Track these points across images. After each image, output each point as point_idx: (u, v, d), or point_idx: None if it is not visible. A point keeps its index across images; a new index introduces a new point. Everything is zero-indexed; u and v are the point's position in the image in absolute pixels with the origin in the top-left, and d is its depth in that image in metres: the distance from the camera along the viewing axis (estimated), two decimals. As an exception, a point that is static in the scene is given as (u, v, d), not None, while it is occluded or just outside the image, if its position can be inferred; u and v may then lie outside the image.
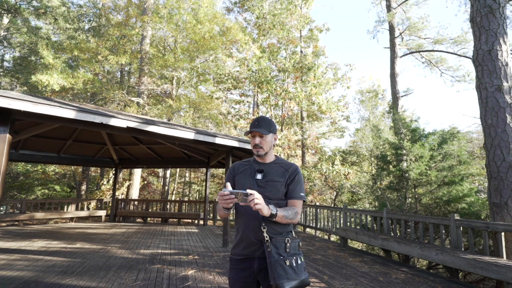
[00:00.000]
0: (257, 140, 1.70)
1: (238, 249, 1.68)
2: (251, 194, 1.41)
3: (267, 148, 1.72)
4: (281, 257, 1.51)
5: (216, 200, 12.85)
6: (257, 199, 1.41)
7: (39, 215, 9.82)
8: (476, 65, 5.80)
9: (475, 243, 6.00)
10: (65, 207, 11.04)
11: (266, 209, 1.46)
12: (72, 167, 17.27)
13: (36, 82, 11.32)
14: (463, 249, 4.77)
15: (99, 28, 16.95)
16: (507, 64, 5.50)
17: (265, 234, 1.56)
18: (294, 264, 1.52)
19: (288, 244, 1.56)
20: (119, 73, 18.72)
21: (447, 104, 55.51)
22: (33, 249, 5.85)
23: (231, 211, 1.62)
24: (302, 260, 1.58)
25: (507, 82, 5.40)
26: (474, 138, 17.08)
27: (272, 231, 1.60)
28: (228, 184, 1.49)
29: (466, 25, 15.62)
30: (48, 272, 4.28)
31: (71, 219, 10.98)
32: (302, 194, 1.69)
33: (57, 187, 17.09)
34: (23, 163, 16.48)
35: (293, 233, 1.70)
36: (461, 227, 4.87)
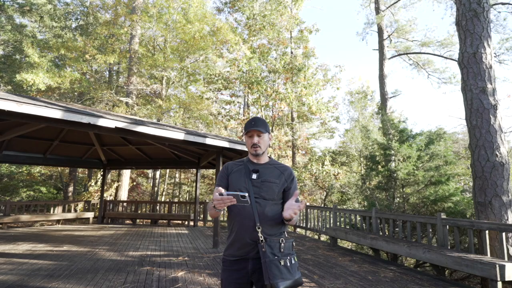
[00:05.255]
0: (256, 139, 1.72)
1: (232, 250, 1.67)
2: (301, 202, 1.51)
3: (264, 147, 1.75)
4: (276, 257, 1.52)
5: (207, 201, 12.76)
6: (300, 210, 1.51)
7: (24, 217, 9.57)
8: (461, 67, 5.95)
9: (461, 241, 6.14)
10: (52, 209, 10.79)
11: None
12: (59, 168, 16.89)
13: (21, 81, 11.04)
14: (449, 247, 4.87)
15: (86, 26, 16.65)
16: (491, 67, 5.65)
17: (259, 234, 1.57)
18: (289, 264, 1.53)
19: (282, 244, 1.58)
20: (107, 72, 18.42)
21: (434, 105, 56.70)
22: (18, 253, 5.69)
23: (222, 211, 1.64)
24: (296, 260, 1.60)
25: (491, 84, 5.55)
26: (459, 139, 17.48)
27: (267, 231, 1.61)
28: (221, 189, 1.48)
29: (452, 28, 16.01)
30: (34, 276, 4.18)
31: (58, 221, 10.74)
32: (299, 197, 1.77)
33: (43, 189, 16.70)
34: (7, 164, 16.04)
35: (286, 233, 1.71)
36: (447, 226, 4.98)
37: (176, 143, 6.63)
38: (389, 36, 16.32)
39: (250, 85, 14.33)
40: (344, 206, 12.91)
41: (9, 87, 15.07)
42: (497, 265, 3.56)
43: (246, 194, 1.42)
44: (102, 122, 4.99)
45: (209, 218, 11.73)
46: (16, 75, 11.61)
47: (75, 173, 17.06)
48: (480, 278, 5.27)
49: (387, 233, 6.39)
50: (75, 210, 11.77)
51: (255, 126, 1.71)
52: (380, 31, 15.83)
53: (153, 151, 10.91)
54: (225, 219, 10.81)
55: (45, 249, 6.12)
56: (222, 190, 1.45)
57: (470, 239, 4.61)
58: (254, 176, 1.71)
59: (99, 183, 14.45)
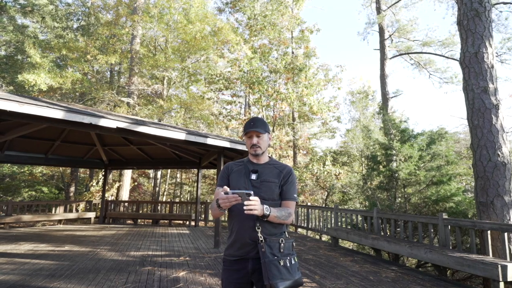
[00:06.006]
0: (255, 140, 1.72)
1: (232, 250, 1.67)
2: (252, 197, 1.43)
3: (264, 147, 1.75)
4: (276, 257, 1.52)
5: (208, 201, 12.77)
6: (254, 205, 1.42)
7: (26, 217, 9.60)
8: (463, 67, 5.93)
9: (463, 242, 6.13)
10: (53, 209, 10.82)
11: (260, 210, 1.47)
12: (60, 168, 16.94)
13: (22, 81, 11.08)
14: (451, 248, 4.86)
15: (88, 27, 16.68)
16: (492, 66, 5.63)
17: (259, 235, 1.56)
18: (288, 264, 1.53)
19: (282, 244, 1.57)
20: (108, 73, 18.46)
21: (435, 105, 56.59)
22: (20, 252, 5.71)
23: (225, 211, 1.61)
24: (296, 260, 1.60)
25: (493, 84, 5.53)
26: (461, 139, 17.43)
27: (267, 232, 1.60)
28: (226, 188, 1.48)
29: (453, 28, 15.94)
30: (35, 276, 4.19)
31: (59, 221, 10.77)
32: (295, 195, 1.73)
33: (45, 189, 16.74)
34: (9, 164, 16.09)
35: (287, 233, 1.71)
36: (449, 226, 4.96)
37: (177, 143, 6.63)
38: (390, 36, 16.29)
39: (251, 85, 14.33)
40: (346, 206, 12.90)
41: (11, 88, 15.12)
42: (499, 265, 3.55)
43: (252, 192, 1.41)
44: (103, 122, 5.00)
45: (210, 218, 11.73)
46: (18, 75, 11.66)
47: (76, 173, 17.09)
48: (482, 279, 5.25)
49: (388, 233, 6.38)
50: (77, 210, 11.80)
51: (254, 127, 1.71)
52: (381, 31, 15.81)
53: (154, 151, 10.92)
54: (226, 219, 10.83)
55: (46, 249, 6.14)
56: (227, 189, 1.44)
57: (472, 239, 4.59)
58: (253, 176, 1.71)
59: (100, 183, 14.48)
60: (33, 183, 16.69)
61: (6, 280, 3.96)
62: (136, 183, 19.75)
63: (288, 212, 1.64)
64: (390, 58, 15.89)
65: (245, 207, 1.41)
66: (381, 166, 8.95)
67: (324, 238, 10.42)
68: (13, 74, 14.30)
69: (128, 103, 13.53)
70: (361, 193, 10.40)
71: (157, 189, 18.05)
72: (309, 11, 64.68)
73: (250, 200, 1.42)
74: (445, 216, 5.03)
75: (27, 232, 8.68)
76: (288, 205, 1.69)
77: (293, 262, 1.56)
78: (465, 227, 4.80)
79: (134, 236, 8.15)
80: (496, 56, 13.03)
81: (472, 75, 5.69)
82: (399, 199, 8.26)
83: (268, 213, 1.51)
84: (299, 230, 10.25)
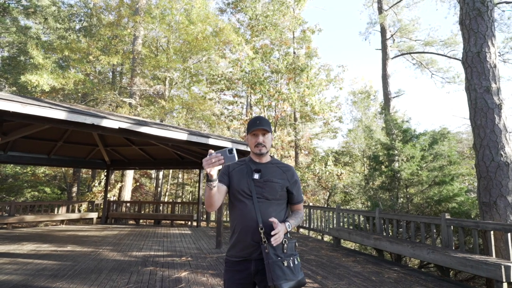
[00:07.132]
0: (261, 138, 1.72)
1: (235, 251, 1.66)
2: (275, 227, 1.50)
3: (269, 146, 1.76)
4: (279, 258, 1.51)
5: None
6: (279, 237, 1.49)
7: (29, 217, 9.64)
8: (465, 66, 5.90)
9: (466, 242, 6.09)
10: (56, 209, 10.86)
11: (283, 232, 1.54)
12: (63, 169, 17.01)
13: (25, 82, 11.13)
14: (453, 248, 4.84)
15: (90, 28, 16.75)
16: (495, 66, 5.60)
17: (262, 235, 1.56)
18: (292, 265, 1.53)
19: (285, 245, 1.57)
20: (110, 73, 18.51)
21: (437, 105, 56.40)
22: (23, 253, 5.73)
23: (215, 189, 1.54)
24: (299, 260, 1.59)
25: (496, 83, 5.51)
26: (464, 139, 17.37)
27: (270, 232, 1.59)
28: (211, 150, 1.44)
29: (455, 28, 15.92)
30: (38, 276, 4.21)
31: (62, 221, 10.80)
32: (302, 195, 1.82)
33: (47, 189, 16.80)
34: (12, 165, 16.17)
35: (289, 233, 1.71)
36: (452, 226, 4.94)
37: (179, 143, 6.64)
38: (392, 35, 16.25)
39: (252, 86, 14.33)
40: (347, 207, 12.86)
41: (14, 88, 15.20)
42: (502, 266, 3.53)
43: (234, 149, 1.41)
44: (105, 123, 5.01)
45: (212, 218, 11.73)
46: (20, 76, 11.70)
47: (79, 174, 17.16)
48: (485, 279, 5.22)
49: (390, 233, 6.36)
50: (79, 211, 11.84)
51: (260, 125, 1.70)
52: (383, 31, 15.77)
53: (156, 151, 10.94)
54: (228, 219, 10.81)
55: (49, 249, 6.16)
56: (212, 151, 1.41)
57: (475, 239, 4.57)
58: (256, 176, 1.70)
59: (102, 183, 14.53)
60: (36, 183, 16.76)
61: (9, 280, 3.98)
62: (138, 184, 19.78)
63: (301, 216, 1.77)
64: (392, 58, 15.85)
65: (273, 239, 1.47)
66: (383, 166, 8.93)
67: (326, 238, 10.39)
68: (16, 75, 14.39)
69: (130, 104, 13.56)
70: (363, 194, 10.37)
71: (159, 189, 18.07)
72: (310, 11, 64.70)
73: (274, 230, 1.48)
74: (447, 216, 5.01)
75: (29, 232, 8.72)
76: (300, 208, 1.81)
77: (296, 262, 1.56)
78: (468, 227, 4.78)
79: (136, 236, 8.16)
80: (499, 55, 12.97)
81: (474, 74, 5.67)
82: (401, 199, 8.23)
83: (290, 228, 1.62)
84: (301, 230, 10.24)
